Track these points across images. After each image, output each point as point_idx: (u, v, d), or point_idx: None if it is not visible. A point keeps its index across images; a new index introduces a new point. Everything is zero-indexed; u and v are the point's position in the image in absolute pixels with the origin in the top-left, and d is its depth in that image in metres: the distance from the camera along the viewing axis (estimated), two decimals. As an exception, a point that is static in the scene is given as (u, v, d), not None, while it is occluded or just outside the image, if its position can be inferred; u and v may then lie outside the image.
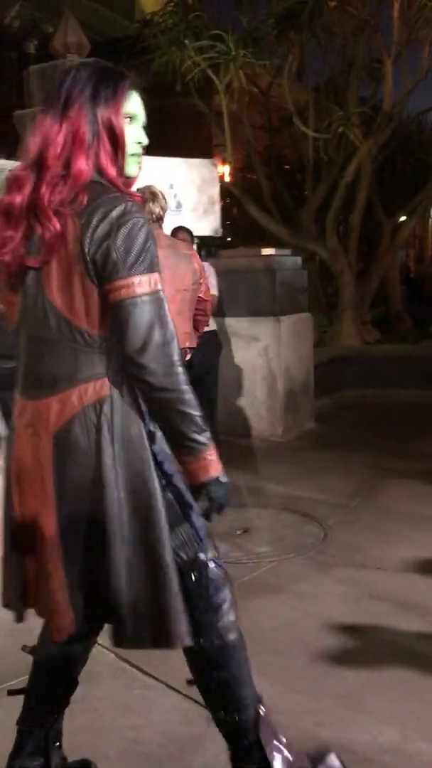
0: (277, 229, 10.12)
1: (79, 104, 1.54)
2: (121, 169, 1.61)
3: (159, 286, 1.52)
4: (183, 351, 4.17)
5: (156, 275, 1.52)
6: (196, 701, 2.28)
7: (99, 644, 2.63)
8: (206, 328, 5.30)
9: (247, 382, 6.07)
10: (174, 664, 2.52)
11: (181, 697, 2.32)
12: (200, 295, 4.26)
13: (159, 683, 2.40)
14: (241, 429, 6.07)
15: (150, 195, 4.19)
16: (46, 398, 1.55)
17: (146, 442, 1.58)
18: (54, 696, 1.83)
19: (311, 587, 3.17)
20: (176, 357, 1.55)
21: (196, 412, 1.57)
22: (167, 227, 5.99)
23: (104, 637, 2.67)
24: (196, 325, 4.29)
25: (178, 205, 6.77)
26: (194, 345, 4.20)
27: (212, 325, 5.43)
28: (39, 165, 1.53)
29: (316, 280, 10.60)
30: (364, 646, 2.68)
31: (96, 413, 1.53)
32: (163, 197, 4.22)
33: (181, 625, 1.58)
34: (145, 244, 1.50)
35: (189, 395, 1.56)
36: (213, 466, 1.62)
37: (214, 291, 5.34)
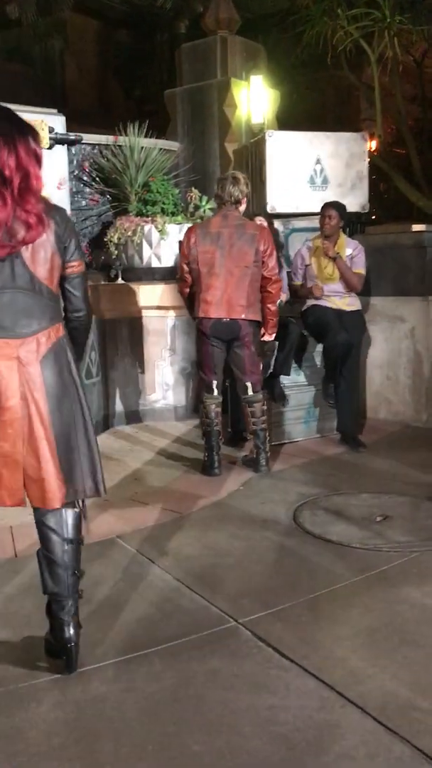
0: (426, 205, 9.67)
1: (25, 140, 2.23)
2: None
3: None
4: (235, 322, 4.31)
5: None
6: (332, 688, 2.23)
7: (236, 621, 2.65)
8: (351, 307, 5.19)
9: (390, 365, 5.85)
10: (311, 648, 2.48)
11: (318, 682, 2.27)
12: (264, 273, 4.32)
13: (295, 666, 2.36)
14: (383, 412, 5.88)
15: (232, 179, 4.39)
16: (34, 335, 2.30)
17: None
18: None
19: (457, 582, 3.00)
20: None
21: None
22: (313, 203, 5.90)
23: (241, 614, 2.68)
24: (264, 300, 4.45)
25: (324, 181, 6.60)
26: (250, 318, 4.38)
27: (357, 305, 5.28)
28: (3, 179, 2.19)
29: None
30: None
31: (63, 343, 2.38)
32: (245, 182, 4.42)
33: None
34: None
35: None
36: None
37: (361, 269, 5.17)
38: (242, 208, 4.45)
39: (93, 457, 2.41)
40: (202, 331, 4.40)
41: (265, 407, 4.54)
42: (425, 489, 4.17)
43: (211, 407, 4.49)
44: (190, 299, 4.57)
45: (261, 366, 4.60)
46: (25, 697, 2.24)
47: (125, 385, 5.95)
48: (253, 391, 4.47)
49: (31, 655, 2.47)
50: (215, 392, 4.49)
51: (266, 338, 4.56)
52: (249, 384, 4.45)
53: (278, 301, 4.59)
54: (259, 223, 5.01)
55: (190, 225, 5.84)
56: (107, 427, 5.74)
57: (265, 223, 5.09)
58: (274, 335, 4.60)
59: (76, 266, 2.41)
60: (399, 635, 2.58)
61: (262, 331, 4.50)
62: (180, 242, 4.50)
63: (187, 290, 4.54)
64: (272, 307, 4.47)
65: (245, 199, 4.44)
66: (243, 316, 4.31)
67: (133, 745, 2.01)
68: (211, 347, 4.41)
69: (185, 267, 4.45)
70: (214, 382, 4.48)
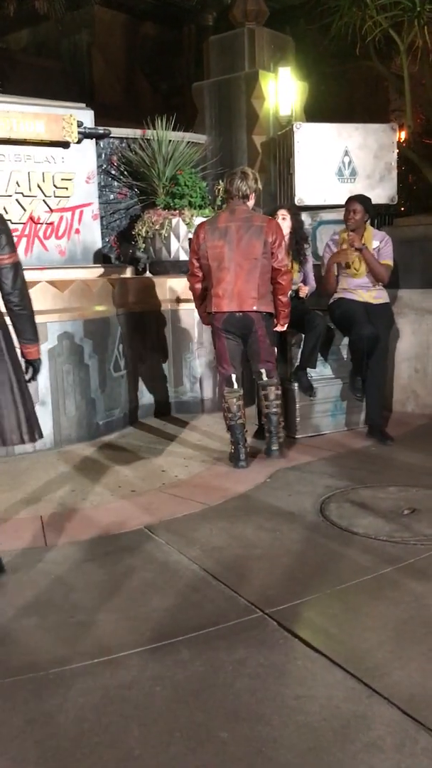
0: (457, 197, 9.55)
1: None
2: None
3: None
4: (247, 316, 4.36)
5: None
6: (359, 679, 2.24)
7: (263, 612, 2.67)
8: (378, 300, 5.15)
9: (419, 357, 5.81)
10: (338, 639, 2.48)
11: (345, 673, 2.27)
12: (273, 264, 4.38)
13: (322, 657, 2.37)
14: (411, 405, 5.85)
15: (241, 174, 4.46)
16: None
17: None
18: None
19: None
20: (29, 295, 3.12)
21: (34, 324, 3.17)
22: (341, 195, 5.87)
23: (268, 604, 2.70)
24: (275, 292, 4.47)
25: (353, 173, 6.57)
26: (262, 310, 4.41)
27: (384, 297, 5.24)
28: None
29: None
30: None
31: (3, 325, 3.02)
32: (255, 178, 4.46)
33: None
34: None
35: (33, 314, 3.14)
36: (39, 351, 3.23)
37: (388, 260, 5.13)
38: (250, 203, 4.47)
39: (19, 415, 3.00)
40: (216, 326, 4.45)
41: (279, 392, 4.57)
42: (454, 483, 4.14)
43: (232, 401, 4.51)
44: (201, 295, 4.62)
45: (275, 355, 4.63)
46: (55, 684, 2.28)
47: (153, 377, 5.99)
48: (268, 377, 4.52)
49: (60, 642, 2.52)
50: (235, 385, 4.52)
51: (278, 329, 4.61)
52: (263, 370, 4.51)
53: (290, 292, 4.62)
54: (282, 217, 5.00)
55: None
56: (135, 419, 5.78)
57: (288, 217, 5.08)
58: (286, 326, 4.63)
59: (6, 258, 3.01)
60: (426, 628, 2.57)
61: (274, 321, 4.54)
62: (190, 239, 4.54)
63: (198, 286, 4.59)
64: (283, 299, 4.50)
65: (253, 194, 4.46)
66: (255, 308, 4.35)
67: (161, 731, 2.03)
68: (226, 341, 4.45)
69: (195, 263, 4.51)
70: (233, 375, 4.51)
